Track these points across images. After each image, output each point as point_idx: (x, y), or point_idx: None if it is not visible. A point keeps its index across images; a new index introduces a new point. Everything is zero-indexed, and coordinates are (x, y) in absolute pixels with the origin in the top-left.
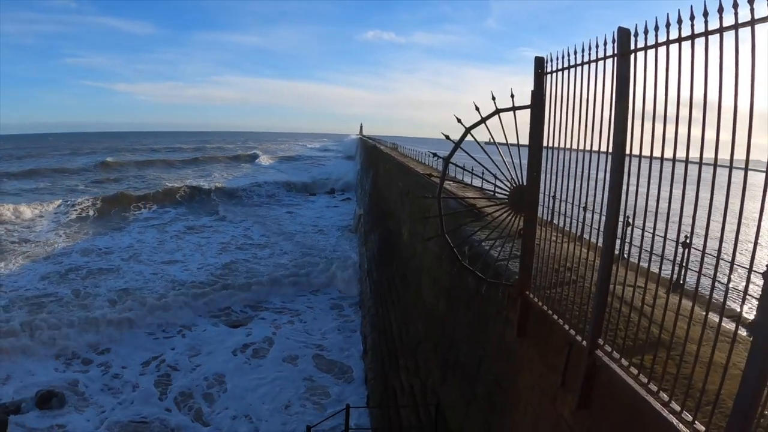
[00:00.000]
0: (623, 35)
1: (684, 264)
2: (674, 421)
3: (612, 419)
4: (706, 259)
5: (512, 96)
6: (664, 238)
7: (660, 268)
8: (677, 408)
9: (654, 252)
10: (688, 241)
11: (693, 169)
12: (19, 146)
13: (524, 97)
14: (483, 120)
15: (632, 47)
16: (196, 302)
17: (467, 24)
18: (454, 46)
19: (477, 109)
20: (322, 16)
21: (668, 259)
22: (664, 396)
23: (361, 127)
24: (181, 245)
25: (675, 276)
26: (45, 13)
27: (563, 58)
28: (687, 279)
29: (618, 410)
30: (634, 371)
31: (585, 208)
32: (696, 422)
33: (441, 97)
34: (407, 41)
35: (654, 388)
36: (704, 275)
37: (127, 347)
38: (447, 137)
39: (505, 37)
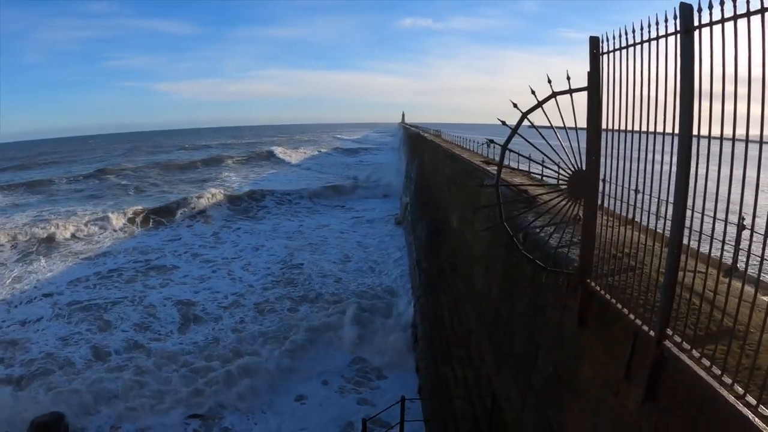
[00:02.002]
0: (686, 11)
1: (742, 247)
2: (750, 414)
3: (681, 413)
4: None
5: (568, 78)
6: (730, 222)
7: (737, 254)
8: (753, 401)
9: (711, 236)
10: (744, 223)
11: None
12: (58, 149)
13: (572, 79)
14: (540, 104)
15: (695, 23)
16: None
17: (504, 6)
18: (491, 30)
19: (533, 92)
20: (358, 5)
21: (729, 243)
22: (739, 389)
23: (403, 115)
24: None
25: (736, 261)
26: (86, 18)
27: (620, 37)
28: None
29: (687, 403)
30: (706, 363)
31: (636, 191)
32: None
33: (480, 82)
34: (445, 27)
35: (728, 380)
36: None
37: None
38: (503, 123)
39: (542, 18)
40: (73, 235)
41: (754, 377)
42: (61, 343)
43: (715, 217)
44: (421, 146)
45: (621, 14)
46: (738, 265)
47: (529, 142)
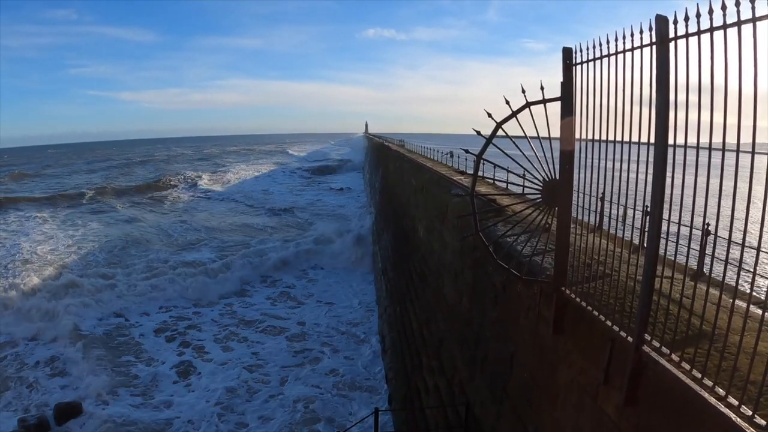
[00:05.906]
0: (661, 23)
1: (707, 252)
2: (732, 415)
3: (661, 416)
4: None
5: (542, 88)
6: (694, 227)
7: (713, 262)
8: (735, 402)
9: (675, 242)
10: (709, 229)
11: (734, 158)
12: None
13: (535, 89)
14: (514, 114)
15: (671, 35)
16: None
17: (467, 17)
18: (455, 40)
19: (507, 102)
20: (321, 15)
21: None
22: (720, 390)
23: (366, 125)
24: None
25: (707, 266)
26: (46, 25)
27: (594, 48)
28: (712, 267)
29: (668, 406)
30: (686, 366)
31: (602, 199)
32: (756, 416)
33: (444, 92)
34: (408, 37)
35: (709, 383)
36: (730, 263)
37: None
38: (478, 133)
39: (506, 29)
40: None
41: (735, 379)
42: None
43: (679, 223)
44: (386, 157)
45: (582, 24)
46: (704, 269)
47: (505, 152)
